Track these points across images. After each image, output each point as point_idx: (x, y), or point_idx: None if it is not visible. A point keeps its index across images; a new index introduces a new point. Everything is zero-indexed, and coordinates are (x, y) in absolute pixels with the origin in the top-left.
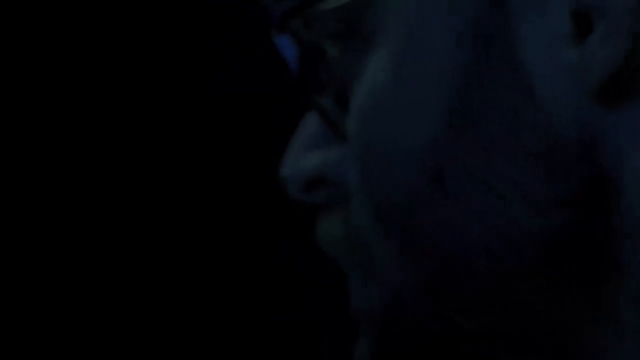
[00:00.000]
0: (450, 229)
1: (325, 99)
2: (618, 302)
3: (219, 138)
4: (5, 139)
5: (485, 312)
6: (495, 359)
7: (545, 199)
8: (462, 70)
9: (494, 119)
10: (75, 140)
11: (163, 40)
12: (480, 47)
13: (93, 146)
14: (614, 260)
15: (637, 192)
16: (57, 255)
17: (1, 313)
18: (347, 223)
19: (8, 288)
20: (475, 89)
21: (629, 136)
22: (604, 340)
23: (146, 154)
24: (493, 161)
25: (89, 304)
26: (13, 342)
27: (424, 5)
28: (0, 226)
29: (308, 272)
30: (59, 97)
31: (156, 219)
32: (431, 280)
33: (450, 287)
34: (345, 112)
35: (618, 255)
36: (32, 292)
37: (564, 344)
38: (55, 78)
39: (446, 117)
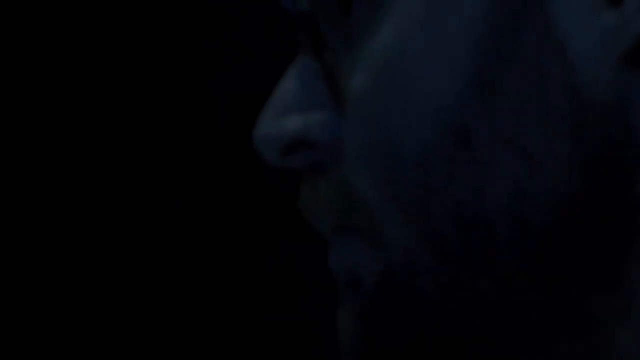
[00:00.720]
0: (474, 189)
1: (327, 58)
2: (635, 277)
3: (219, 138)
4: (5, 139)
5: (495, 276)
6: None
7: (573, 159)
8: (493, 28)
9: (523, 78)
10: (75, 140)
11: (163, 40)
12: (513, 6)
13: (93, 146)
14: (635, 230)
15: None
16: (57, 255)
17: (1, 313)
18: (338, 186)
19: (8, 288)
20: (505, 47)
21: None
22: (615, 317)
23: (146, 154)
24: (522, 120)
25: (89, 303)
26: (13, 342)
27: None
28: (0, 226)
29: (308, 272)
30: (59, 97)
31: (156, 219)
32: (445, 243)
33: (468, 249)
34: (341, 74)
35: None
36: (32, 292)
37: (566, 312)
38: (55, 78)
39: (475, 76)
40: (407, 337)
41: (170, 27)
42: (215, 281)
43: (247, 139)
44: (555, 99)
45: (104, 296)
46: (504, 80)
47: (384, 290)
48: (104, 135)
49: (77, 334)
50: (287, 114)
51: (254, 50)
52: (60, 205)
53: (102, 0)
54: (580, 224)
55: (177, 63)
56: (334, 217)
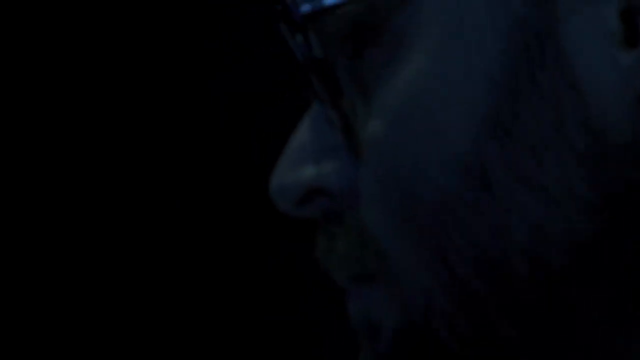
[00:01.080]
0: (494, 230)
1: (342, 105)
2: None
3: (219, 138)
4: (5, 139)
5: (517, 319)
6: None
7: (591, 198)
8: (509, 69)
9: (540, 117)
10: (75, 140)
11: (163, 40)
12: (528, 45)
13: (93, 146)
14: None
15: None
16: (57, 255)
17: (1, 313)
18: (354, 234)
19: (8, 288)
20: (521, 87)
21: None
22: (629, 347)
23: (146, 154)
24: (541, 160)
25: (88, 304)
26: (13, 342)
27: (468, 3)
28: (0, 226)
29: (308, 272)
30: (59, 97)
31: (156, 219)
32: (466, 286)
33: (487, 292)
34: (355, 120)
35: None
36: (32, 292)
37: (589, 354)
38: (55, 78)
39: (491, 117)
40: None
41: (170, 27)
42: (215, 281)
43: (247, 139)
44: (572, 138)
45: (103, 296)
46: (521, 119)
47: (402, 337)
48: (104, 135)
49: (77, 334)
50: (302, 163)
51: (254, 50)
52: (59, 205)
53: (102, 0)
54: (599, 263)
55: (177, 63)
56: (350, 265)
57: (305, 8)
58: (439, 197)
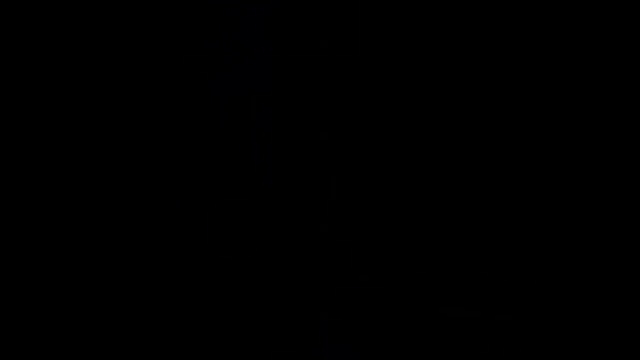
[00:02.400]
0: None
1: None
2: None
3: (219, 138)
4: (5, 139)
5: None
6: None
7: None
8: None
9: None
10: (75, 140)
11: (163, 40)
12: None
13: (93, 146)
14: None
15: None
16: (57, 255)
17: (1, 313)
18: None
19: (8, 288)
20: None
21: None
22: None
23: (146, 154)
24: None
25: (88, 304)
26: (13, 342)
27: None
28: (0, 226)
29: (308, 272)
30: (58, 97)
31: (156, 218)
32: None
33: None
34: None
35: None
36: (32, 292)
37: None
38: (55, 78)
39: None
40: None
41: (171, 27)
42: (215, 281)
43: (246, 138)
44: None
45: (103, 296)
46: None
47: None
48: (104, 134)
49: (77, 334)
50: None
51: (254, 50)
52: (59, 205)
53: (102, 0)
54: None
55: (177, 63)
56: None
57: None
58: None
